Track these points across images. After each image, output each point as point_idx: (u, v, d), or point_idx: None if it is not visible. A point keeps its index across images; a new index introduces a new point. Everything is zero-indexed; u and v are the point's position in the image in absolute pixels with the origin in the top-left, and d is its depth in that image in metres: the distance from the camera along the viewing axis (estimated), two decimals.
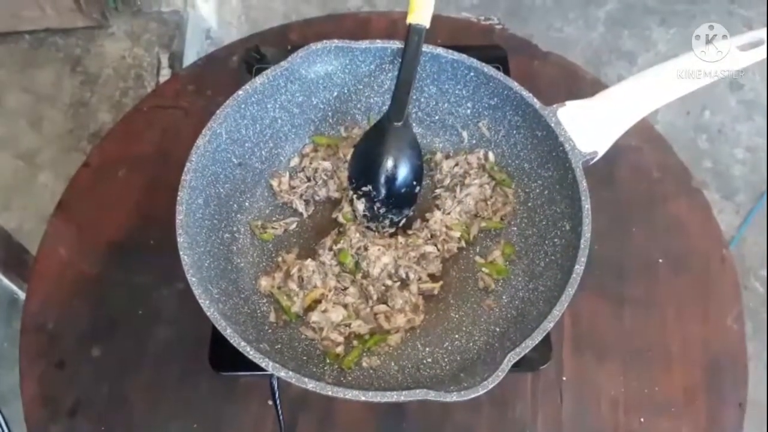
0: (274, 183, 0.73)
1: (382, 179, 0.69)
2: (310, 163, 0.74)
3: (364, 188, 0.70)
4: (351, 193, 0.71)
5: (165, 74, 1.59)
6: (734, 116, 1.68)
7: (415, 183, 0.70)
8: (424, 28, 0.68)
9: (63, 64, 1.65)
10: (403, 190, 0.70)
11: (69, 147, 1.54)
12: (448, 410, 0.67)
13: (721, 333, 0.72)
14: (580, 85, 0.86)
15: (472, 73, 0.69)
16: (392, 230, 0.72)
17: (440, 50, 0.68)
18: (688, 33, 1.83)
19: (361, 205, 0.71)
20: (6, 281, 0.92)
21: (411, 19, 0.67)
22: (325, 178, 0.74)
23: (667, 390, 0.69)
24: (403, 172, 0.69)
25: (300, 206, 0.73)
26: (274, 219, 0.73)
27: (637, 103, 0.65)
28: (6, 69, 1.64)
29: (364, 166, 0.70)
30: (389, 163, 0.69)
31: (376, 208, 0.70)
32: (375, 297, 0.67)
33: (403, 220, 0.72)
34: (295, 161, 0.75)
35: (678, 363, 0.70)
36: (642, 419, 0.67)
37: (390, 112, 0.68)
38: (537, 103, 0.66)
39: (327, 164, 0.74)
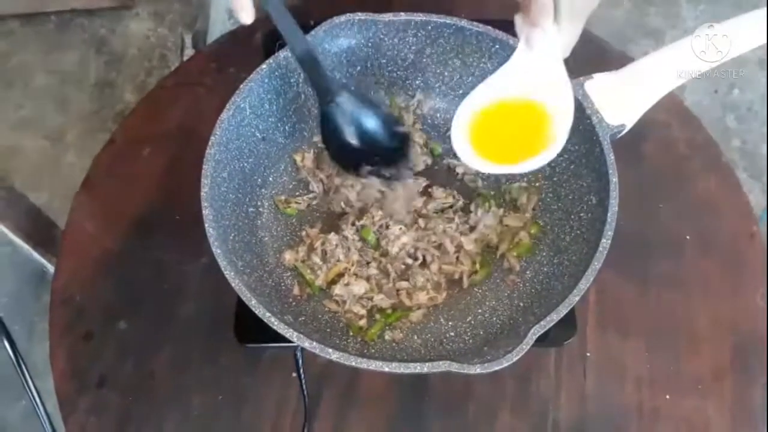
0: (298, 158, 0.73)
1: (366, 147, 0.66)
2: None
3: (363, 169, 0.67)
4: (361, 180, 0.69)
5: (189, 54, 1.60)
6: (763, 94, 1.64)
7: (388, 126, 0.66)
8: None
9: (88, 45, 1.67)
10: (386, 142, 0.66)
11: (95, 127, 1.56)
12: (471, 385, 0.67)
13: (750, 311, 0.71)
14: (606, 59, 0.84)
15: (497, 46, 0.68)
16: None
17: (464, 22, 0.67)
18: (717, 9, 1.80)
19: (375, 181, 0.69)
20: (36, 255, 0.94)
21: None
22: None
23: (693, 368, 0.68)
24: (371, 128, 0.66)
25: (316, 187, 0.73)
26: (297, 194, 0.73)
27: (666, 74, 0.63)
28: (32, 50, 1.66)
29: (346, 154, 0.67)
30: (360, 130, 0.65)
31: (386, 173, 0.68)
32: (393, 275, 0.67)
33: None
34: (318, 137, 0.75)
35: (705, 341, 0.69)
36: (667, 396, 0.67)
37: (320, 99, 0.64)
38: None
39: None
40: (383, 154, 0.67)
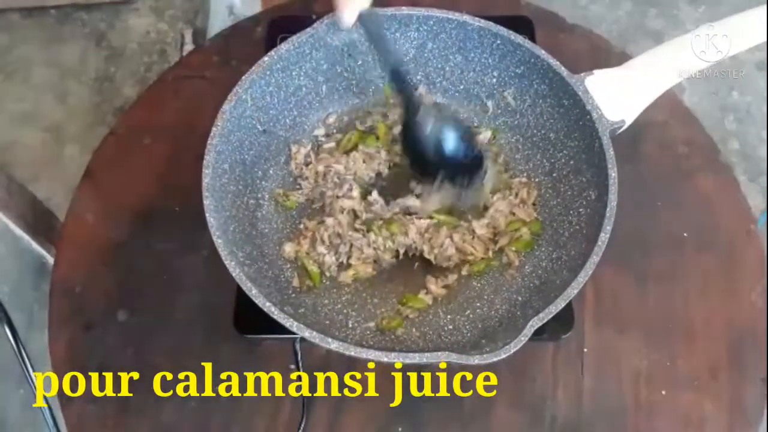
0: (294, 149, 0.73)
1: (443, 159, 0.69)
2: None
3: (439, 175, 0.69)
4: (437, 183, 0.70)
5: (189, 50, 1.59)
6: (763, 96, 1.65)
7: (467, 143, 0.69)
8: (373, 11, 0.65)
9: (88, 39, 1.67)
10: (463, 157, 0.69)
11: (94, 121, 1.56)
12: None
13: (746, 308, 0.71)
14: (606, 57, 0.85)
15: (498, 41, 0.68)
16: None
17: (467, 17, 0.68)
18: (717, 11, 1.80)
19: (449, 187, 0.70)
20: (35, 245, 0.93)
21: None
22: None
23: (689, 364, 0.68)
24: (450, 143, 0.68)
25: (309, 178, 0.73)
26: (297, 187, 0.73)
27: (666, 71, 0.64)
28: (32, 44, 1.66)
29: (423, 163, 0.70)
30: (439, 144, 0.68)
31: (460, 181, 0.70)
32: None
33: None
34: (318, 131, 0.75)
35: (701, 337, 0.70)
36: (663, 392, 0.67)
37: (405, 111, 0.68)
38: (564, 71, 0.65)
39: None
40: (458, 167, 0.69)
